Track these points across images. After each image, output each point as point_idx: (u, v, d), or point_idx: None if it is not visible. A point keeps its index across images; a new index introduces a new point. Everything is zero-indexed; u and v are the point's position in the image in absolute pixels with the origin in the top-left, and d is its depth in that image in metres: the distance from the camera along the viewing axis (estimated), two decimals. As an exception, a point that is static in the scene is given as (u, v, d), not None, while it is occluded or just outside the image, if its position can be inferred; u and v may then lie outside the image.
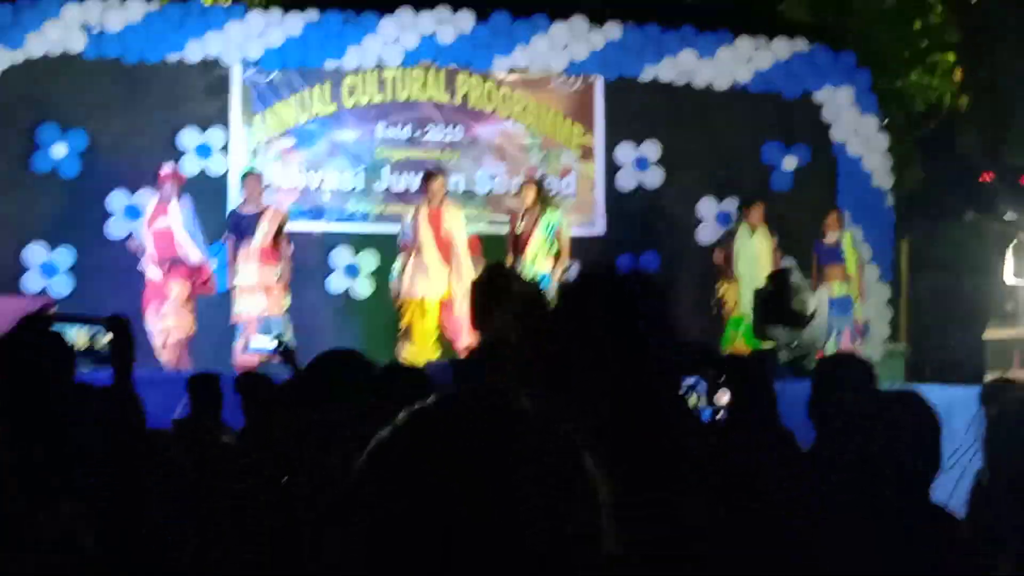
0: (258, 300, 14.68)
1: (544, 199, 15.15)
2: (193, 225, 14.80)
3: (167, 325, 14.63)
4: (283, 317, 14.81)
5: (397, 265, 14.88)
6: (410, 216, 14.73)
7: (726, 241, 16.50)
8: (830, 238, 16.35)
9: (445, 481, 1.59)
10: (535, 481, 1.60)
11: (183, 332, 14.73)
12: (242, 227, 14.81)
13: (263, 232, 14.74)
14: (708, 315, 16.32)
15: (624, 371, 2.75)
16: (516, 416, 1.64)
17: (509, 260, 14.79)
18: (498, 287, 5.97)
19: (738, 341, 15.97)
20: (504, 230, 15.69)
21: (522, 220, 14.97)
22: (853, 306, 16.36)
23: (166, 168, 14.95)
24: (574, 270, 15.05)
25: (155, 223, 14.75)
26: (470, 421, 1.63)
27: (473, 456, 1.61)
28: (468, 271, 14.17)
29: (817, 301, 15.48)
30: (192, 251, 14.71)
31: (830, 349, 15.45)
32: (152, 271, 14.75)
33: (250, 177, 15.20)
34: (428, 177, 14.82)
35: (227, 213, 15.44)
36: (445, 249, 14.49)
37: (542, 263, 14.82)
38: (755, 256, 16.09)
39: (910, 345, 18.96)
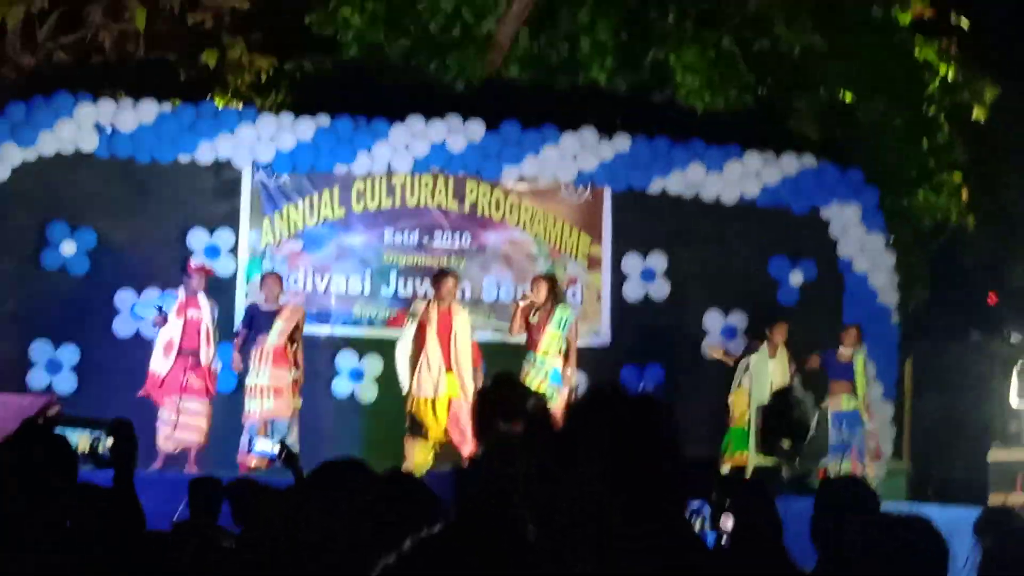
0: (267, 401, 14.70)
1: (556, 295, 15.22)
2: (214, 323, 14.92)
3: (187, 438, 14.68)
4: (290, 420, 14.84)
5: (402, 353, 14.86)
6: (420, 309, 14.76)
7: (745, 354, 16.46)
8: (844, 353, 16.32)
9: None
10: None
11: (198, 440, 14.78)
12: (259, 322, 14.94)
13: (279, 330, 14.85)
14: (710, 430, 16.26)
15: (631, 497, 2.74)
16: (523, 549, 1.63)
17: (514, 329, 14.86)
18: (505, 398, 5.94)
19: (738, 454, 15.91)
20: (509, 338, 15.72)
21: (535, 315, 14.99)
22: (862, 421, 16.30)
23: (196, 261, 15.17)
24: (582, 387, 15.09)
25: (187, 312, 14.82)
26: (476, 554, 1.61)
27: None
28: (468, 375, 14.23)
29: (820, 415, 15.44)
30: (210, 349, 14.79)
31: (840, 465, 15.36)
32: (160, 363, 14.74)
33: (270, 276, 15.40)
34: (440, 276, 14.88)
35: (245, 307, 15.55)
36: (448, 350, 14.50)
37: (553, 359, 14.84)
38: (771, 376, 16.05)
39: (912, 464, 18.89)
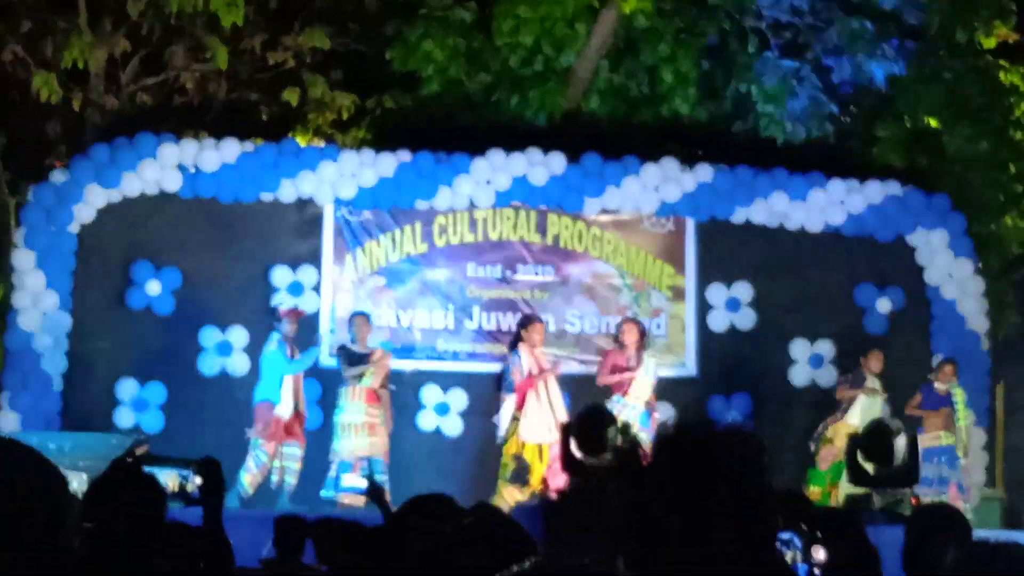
0: (361, 439, 14.85)
1: (645, 339, 15.30)
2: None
3: (289, 481, 14.91)
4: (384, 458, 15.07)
5: (508, 409, 15.02)
6: (515, 362, 14.90)
7: (850, 384, 16.30)
8: (941, 387, 16.15)
9: None
10: None
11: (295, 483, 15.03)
12: (353, 363, 15.08)
13: (371, 374, 15.00)
14: (798, 459, 16.14)
15: (720, 529, 2.70)
16: None
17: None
18: (593, 431, 5.91)
19: (834, 490, 15.77)
20: (592, 370, 15.78)
21: (630, 359, 15.11)
22: (959, 459, 16.11)
23: (286, 305, 15.44)
24: (671, 420, 15.06)
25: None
26: None
27: None
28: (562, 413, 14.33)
29: (911, 443, 15.23)
30: (301, 393, 15.08)
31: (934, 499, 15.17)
32: (284, 408, 14.98)
33: (360, 318, 15.58)
34: (529, 323, 15.03)
35: (337, 347, 15.61)
36: (547, 394, 14.62)
37: (642, 404, 14.90)
38: (871, 406, 15.93)
39: (1006, 491, 18.65)
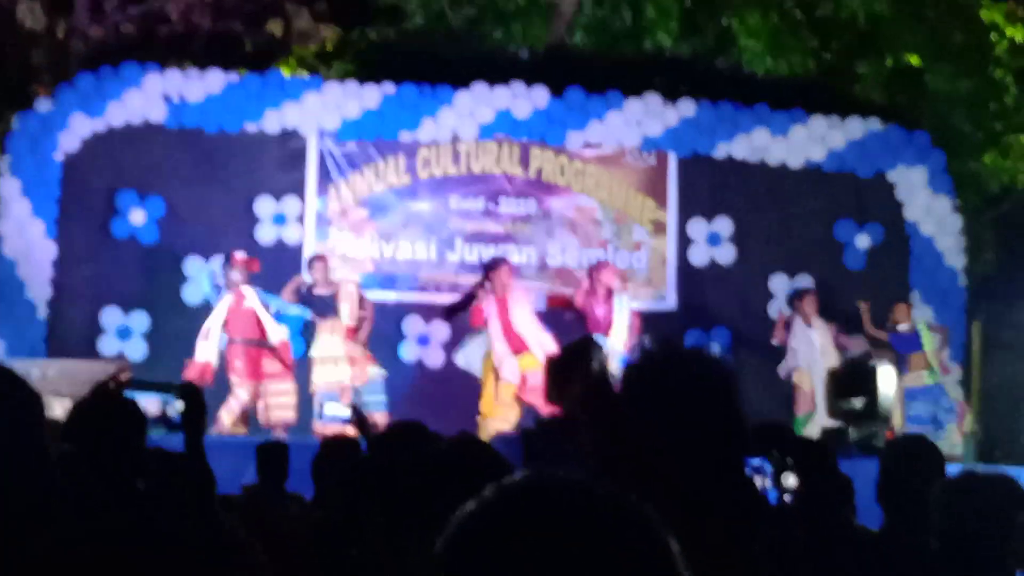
0: (342, 370, 14.80)
1: (623, 280, 15.35)
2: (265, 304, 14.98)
3: (283, 416, 14.87)
4: (380, 383, 15.01)
5: (471, 344, 14.97)
6: (477, 298, 14.70)
7: (784, 329, 16.22)
8: (903, 328, 16.21)
9: (535, 560, 1.59)
10: (624, 566, 1.61)
11: (292, 417, 14.96)
12: (320, 308, 14.93)
13: (346, 311, 14.88)
14: (780, 392, 16.25)
15: (691, 455, 2.77)
16: (606, 499, 1.65)
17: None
18: (576, 364, 5.98)
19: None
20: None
21: (600, 305, 15.01)
22: (946, 392, 16.23)
23: (240, 255, 15.03)
24: (638, 347, 15.06)
25: (241, 303, 14.90)
26: (559, 502, 1.63)
27: (564, 536, 1.61)
28: (541, 352, 14.07)
29: (887, 377, 15.30)
30: (275, 329, 14.90)
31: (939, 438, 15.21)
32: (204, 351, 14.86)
33: (317, 260, 15.27)
34: (493, 266, 14.83)
35: (300, 297, 15.33)
36: (514, 340, 14.51)
37: (621, 345, 14.85)
38: (814, 347, 15.87)
39: (980, 427, 18.81)
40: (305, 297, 15.11)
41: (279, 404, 14.90)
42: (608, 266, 15.57)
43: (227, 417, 14.72)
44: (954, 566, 4.28)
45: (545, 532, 1.59)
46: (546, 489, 1.65)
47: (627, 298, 15.28)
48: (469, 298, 14.89)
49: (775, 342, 16.14)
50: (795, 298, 16.36)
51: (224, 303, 14.83)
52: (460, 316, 15.22)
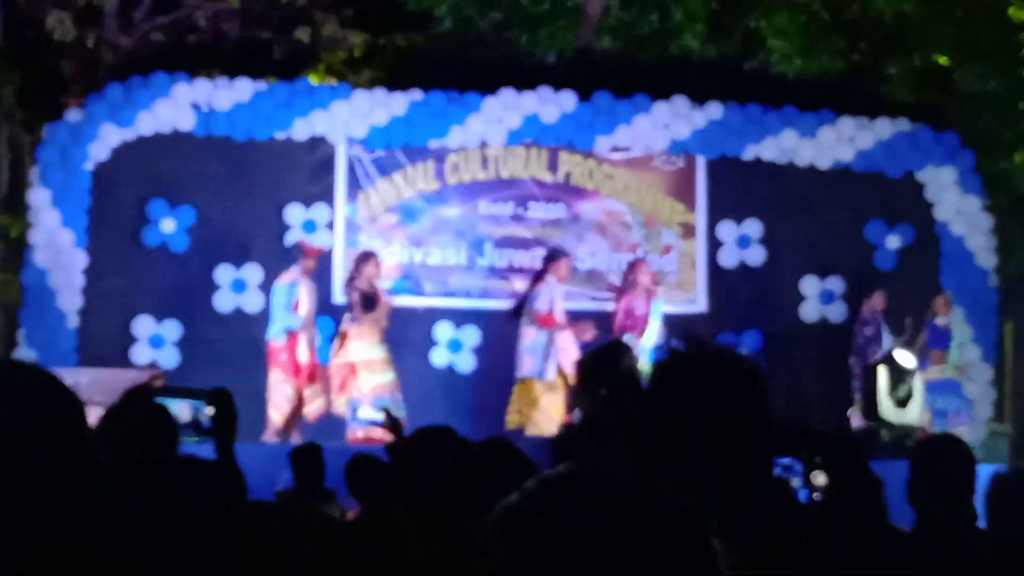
0: (380, 376, 14.82)
1: (655, 281, 15.47)
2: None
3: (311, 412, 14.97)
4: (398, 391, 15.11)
5: (536, 338, 15.02)
6: (540, 291, 14.94)
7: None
8: (941, 321, 16.21)
9: (578, 548, 1.60)
10: (666, 559, 1.61)
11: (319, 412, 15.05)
12: (368, 306, 14.94)
13: (384, 312, 14.95)
14: (810, 394, 16.22)
15: (719, 453, 2.76)
16: (648, 494, 1.65)
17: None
18: (606, 366, 5.98)
19: None
20: (605, 307, 15.88)
21: (640, 301, 15.19)
22: (962, 388, 16.22)
23: (308, 242, 15.38)
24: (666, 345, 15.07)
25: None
26: (600, 495, 1.64)
27: (606, 529, 1.61)
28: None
29: (920, 382, 15.29)
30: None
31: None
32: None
33: (373, 258, 15.27)
34: (556, 257, 15.27)
35: (361, 291, 15.31)
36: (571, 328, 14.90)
37: (651, 346, 14.96)
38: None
39: (1014, 426, 18.74)
40: (356, 290, 15.07)
41: (312, 399, 14.97)
42: (644, 263, 15.69)
43: (277, 416, 14.79)
44: (1006, 558, 4.26)
45: (588, 522, 1.60)
46: (588, 481, 1.66)
47: (662, 301, 15.39)
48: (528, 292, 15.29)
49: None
50: (866, 291, 16.42)
51: (305, 290, 15.02)
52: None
